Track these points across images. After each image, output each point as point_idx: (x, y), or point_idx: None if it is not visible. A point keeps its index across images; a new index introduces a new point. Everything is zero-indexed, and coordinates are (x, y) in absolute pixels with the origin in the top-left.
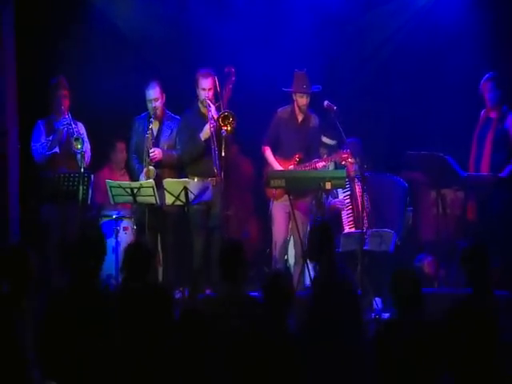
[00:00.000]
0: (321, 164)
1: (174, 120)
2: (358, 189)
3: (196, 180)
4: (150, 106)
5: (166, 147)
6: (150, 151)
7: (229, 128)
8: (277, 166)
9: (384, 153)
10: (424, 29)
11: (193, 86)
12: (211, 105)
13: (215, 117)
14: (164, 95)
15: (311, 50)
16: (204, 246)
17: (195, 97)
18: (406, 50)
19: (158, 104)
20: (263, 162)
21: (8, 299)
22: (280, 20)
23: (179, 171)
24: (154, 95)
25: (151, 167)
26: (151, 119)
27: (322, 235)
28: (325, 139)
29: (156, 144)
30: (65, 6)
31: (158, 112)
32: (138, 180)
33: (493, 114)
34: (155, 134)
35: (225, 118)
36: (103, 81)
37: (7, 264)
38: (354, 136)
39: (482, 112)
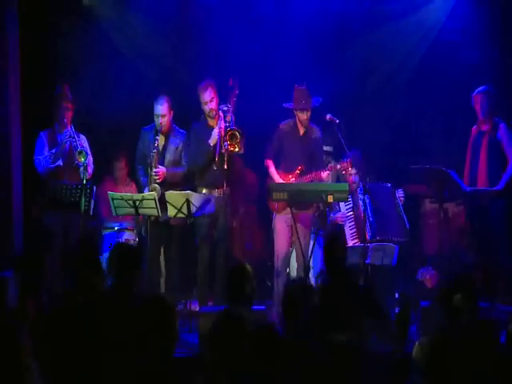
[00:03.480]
0: (325, 173)
1: (180, 135)
2: (359, 201)
3: (204, 191)
4: (156, 120)
5: (171, 162)
6: (154, 171)
7: (236, 149)
8: (278, 179)
9: (386, 166)
10: (427, 45)
11: (196, 98)
12: (222, 119)
13: (222, 132)
14: (172, 112)
15: (315, 64)
16: (209, 259)
17: (201, 111)
18: (408, 66)
19: (165, 121)
20: (267, 174)
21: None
22: (286, 33)
23: (183, 188)
24: (162, 111)
25: (156, 185)
26: (157, 136)
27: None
28: (325, 148)
29: (161, 159)
30: (69, 18)
31: (164, 128)
32: (142, 193)
33: (484, 127)
34: (160, 148)
35: (232, 137)
36: (107, 92)
37: (21, 265)
38: (356, 148)
39: (473, 128)
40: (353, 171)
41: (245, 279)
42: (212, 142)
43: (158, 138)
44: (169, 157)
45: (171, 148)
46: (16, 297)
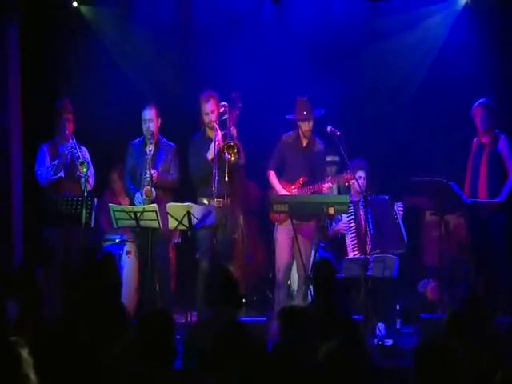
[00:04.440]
0: (326, 185)
1: (169, 146)
2: (361, 213)
3: (205, 200)
4: (144, 126)
5: (160, 171)
6: (152, 172)
7: (232, 158)
8: (280, 189)
9: (387, 177)
10: (430, 58)
11: (196, 111)
12: (218, 130)
13: (221, 144)
14: (159, 120)
15: (318, 76)
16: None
17: (201, 122)
18: (411, 80)
19: (153, 126)
20: (269, 186)
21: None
22: (288, 45)
23: (173, 194)
24: (150, 116)
25: (152, 188)
26: (151, 140)
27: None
28: (329, 157)
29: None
30: (69, 31)
31: (153, 132)
32: (133, 200)
33: (485, 139)
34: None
35: (229, 148)
36: (106, 105)
37: (16, 285)
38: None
39: (474, 140)
40: (362, 174)
41: (232, 283)
42: (209, 155)
43: (151, 142)
44: (159, 166)
45: (160, 158)
46: (15, 315)
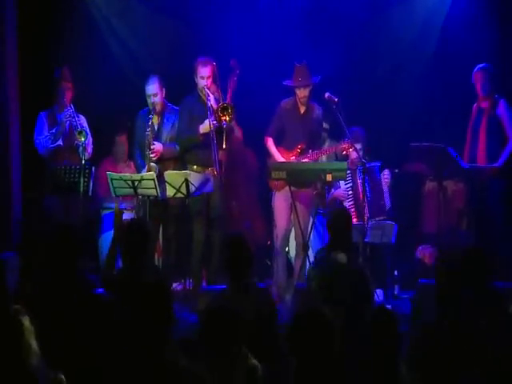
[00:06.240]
0: (306, 160)
1: (175, 112)
2: (359, 180)
3: (195, 168)
4: (149, 101)
5: (168, 140)
6: (151, 147)
7: (227, 118)
8: (278, 156)
9: (385, 144)
10: (430, 27)
11: (192, 77)
12: (210, 94)
13: (214, 107)
14: (164, 89)
15: (317, 43)
16: (205, 236)
17: (194, 85)
18: (411, 46)
19: (158, 99)
20: (266, 153)
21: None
22: (286, 11)
23: (183, 163)
24: (154, 90)
25: (153, 164)
26: (151, 115)
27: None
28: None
29: (158, 138)
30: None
31: (158, 107)
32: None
33: (484, 104)
34: (156, 128)
35: (224, 109)
36: (104, 73)
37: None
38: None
39: (474, 105)
40: (358, 146)
41: (246, 251)
42: (202, 129)
43: (151, 116)
44: (165, 134)
45: (167, 126)
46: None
